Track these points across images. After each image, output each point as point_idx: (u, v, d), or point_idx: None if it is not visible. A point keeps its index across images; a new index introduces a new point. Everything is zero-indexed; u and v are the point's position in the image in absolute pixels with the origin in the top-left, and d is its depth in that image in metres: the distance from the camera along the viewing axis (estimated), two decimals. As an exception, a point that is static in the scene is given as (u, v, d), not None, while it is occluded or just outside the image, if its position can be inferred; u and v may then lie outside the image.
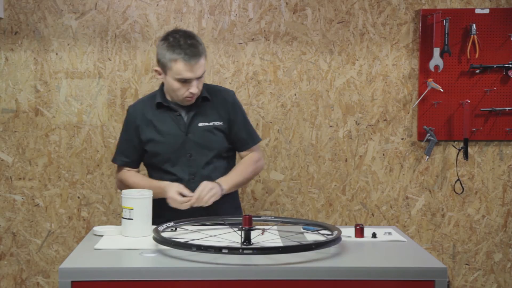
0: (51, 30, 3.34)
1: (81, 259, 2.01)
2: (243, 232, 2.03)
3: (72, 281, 1.88)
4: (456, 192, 3.48)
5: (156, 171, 2.63)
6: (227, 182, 2.54)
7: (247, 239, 2.03)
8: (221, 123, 2.59)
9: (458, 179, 3.46)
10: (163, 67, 2.48)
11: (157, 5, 3.35)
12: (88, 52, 3.36)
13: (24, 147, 3.39)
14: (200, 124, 2.56)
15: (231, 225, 2.28)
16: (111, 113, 3.39)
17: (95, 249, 2.11)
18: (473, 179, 3.49)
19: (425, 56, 3.38)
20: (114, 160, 2.72)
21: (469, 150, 3.44)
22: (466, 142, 3.38)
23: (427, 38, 3.37)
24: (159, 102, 2.58)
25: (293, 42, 3.39)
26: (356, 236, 2.29)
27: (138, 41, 3.35)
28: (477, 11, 3.37)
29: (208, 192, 2.42)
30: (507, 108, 3.41)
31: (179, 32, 2.50)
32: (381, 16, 3.40)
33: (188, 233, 2.29)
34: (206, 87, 2.63)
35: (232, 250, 1.87)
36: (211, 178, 2.54)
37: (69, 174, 3.41)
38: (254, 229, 2.05)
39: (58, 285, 1.88)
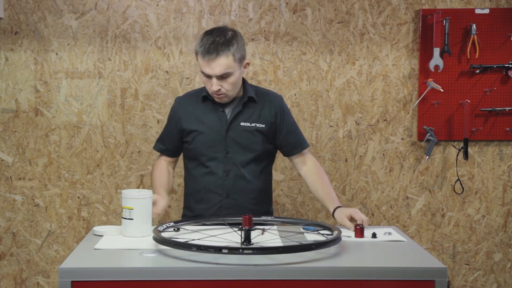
0: (51, 30, 3.34)
1: (81, 259, 2.01)
2: (243, 232, 2.03)
3: (72, 281, 1.88)
4: (456, 192, 3.48)
5: (193, 162, 2.63)
6: (337, 199, 2.61)
7: (247, 239, 2.03)
8: (263, 126, 2.58)
9: (458, 179, 3.46)
10: (196, 58, 2.51)
11: (157, 5, 3.35)
12: (88, 52, 3.36)
13: (24, 147, 3.39)
14: (242, 124, 2.56)
15: (231, 225, 2.28)
16: (111, 113, 3.39)
17: (95, 249, 2.11)
18: (473, 179, 3.49)
19: (425, 56, 3.38)
20: (154, 146, 2.78)
21: (469, 150, 3.44)
22: (466, 142, 3.38)
23: (427, 38, 3.37)
24: (205, 95, 2.58)
25: (293, 42, 3.39)
26: (356, 236, 2.29)
27: (138, 41, 3.35)
28: (477, 11, 3.37)
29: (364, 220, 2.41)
30: (507, 108, 3.41)
31: (220, 29, 2.49)
32: (381, 16, 3.40)
33: (188, 233, 2.29)
34: (255, 89, 2.64)
35: (232, 250, 1.87)
36: (245, 179, 2.56)
37: (69, 174, 3.41)
38: (254, 229, 2.05)
39: (58, 285, 1.88)
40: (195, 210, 2.63)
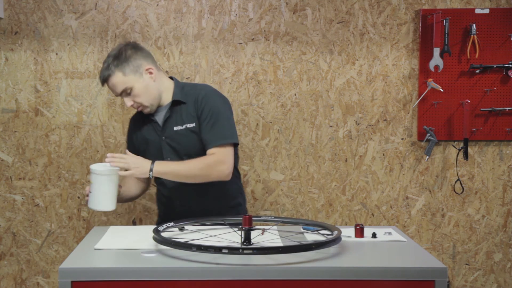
0: (51, 30, 3.34)
1: (81, 259, 2.01)
2: (243, 232, 2.03)
3: (72, 281, 1.88)
4: (456, 192, 3.48)
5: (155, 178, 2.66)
6: (162, 166, 2.43)
7: (247, 239, 2.03)
8: (193, 125, 2.53)
9: (458, 179, 3.46)
10: None
11: (157, 5, 3.35)
12: (88, 52, 3.36)
13: (24, 147, 3.39)
14: (175, 128, 2.56)
15: (231, 225, 2.28)
16: (111, 113, 3.39)
17: (95, 249, 2.11)
18: (473, 179, 3.49)
19: (425, 56, 3.38)
20: None
21: (469, 150, 3.44)
22: (466, 142, 3.38)
23: (427, 38, 3.37)
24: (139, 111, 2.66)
25: (293, 42, 3.39)
26: (356, 236, 2.29)
27: (138, 41, 3.35)
28: (477, 11, 3.37)
29: (121, 161, 2.38)
30: (507, 108, 3.41)
31: (109, 53, 2.55)
32: (381, 16, 3.40)
33: (188, 233, 2.30)
34: (185, 87, 2.60)
35: (232, 250, 1.87)
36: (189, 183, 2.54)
37: (69, 174, 3.41)
38: (254, 229, 2.05)
39: (58, 285, 1.88)
40: (164, 216, 2.71)
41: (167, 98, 2.59)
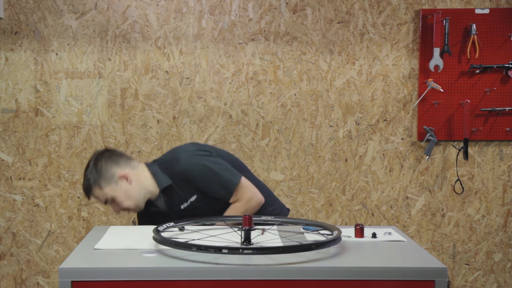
0: (51, 30, 3.34)
1: (81, 259, 2.01)
2: (243, 232, 2.03)
3: (72, 281, 1.88)
4: (456, 192, 3.48)
5: None
6: None
7: (247, 239, 2.03)
8: (195, 197, 2.52)
9: (458, 179, 3.46)
10: None
11: (157, 5, 3.35)
12: (88, 52, 3.36)
13: (24, 147, 3.39)
14: (182, 207, 2.54)
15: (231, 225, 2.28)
16: (111, 113, 3.39)
17: (95, 249, 2.11)
18: (473, 179, 3.49)
19: (425, 56, 3.37)
20: None
21: (469, 150, 3.44)
22: (466, 142, 3.38)
23: (427, 38, 3.37)
24: (141, 212, 2.63)
25: (293, 42, 3.39)
26: (356, 236, 2.28)
27: (138, 41, 3.35)
28: (477, 11, 3.37)
29: None
30: (507, 108, 3.41)
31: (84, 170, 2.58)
32: (381, 16, 3.40)
33: (188, 233, 2.29)
34: (161, 168, 2.54)
35: (232, 250, 1.87)
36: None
37: (69, 174, 3.41)
38: (254, 229, 2.05)
39: (58, 285, 1.88)
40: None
41: (153, 187, 2.54)
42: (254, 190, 2.54)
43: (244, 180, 2.53)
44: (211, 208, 2.53)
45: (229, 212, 2.53)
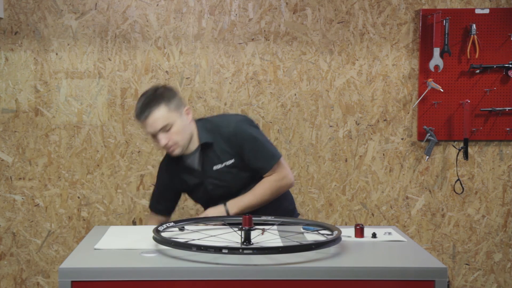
0: (51, 30, 3.34)
1: (81, 259, 2.01)
2: (243, 232, 2.03)
3: (72, 281, 1.88)
4: (456, 192, 3.48)
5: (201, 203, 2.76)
6: (236, 204, 2.54)
7: (247, 239, 2.03)
8: (232, 161, 2.57)
9: (458, 179, 3.46)
10: None
11: (157, 5, 3.35)
12: (88, 52, 3.36)
13: (24, 147, 3.39)
14: (214, 168, 2.57)
15: (231, 225, 2.28)
16: (111, 113, 3.39)
17: (95, 249, 2.11)
18: (473, 179, 3.49)
19: (425, 56, 3.38)
20: (151, 208, 2.80)
21: (469, 150, 3.44)
22: (466, 142, 3.38)
23: (427, 38, 3.37)
24: (172, 160, 2.63)
25: (293, 42, 3.39)
26: (356, 236, 2.28)
27: (138, 41, 3.35)
28: (477, 11, 3.37)
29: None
30: (507, 108, 3.41)
31: (150, 88, 2.56)
32: (381, 16, 3.40)
33: (188, 233, 2.30)
34: (209, 126, 2.60)
35: (232, 250, 1.87)
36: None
37: (69, 174, 3.41)
38: (254, 229, 2.05)
39: (58, 285, 1.88)
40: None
41: (196, 139, 2.58)
42: (289, 170, 2.65)
43: (283, 159, 2.63)
44: (240, 178, 2.58)
45: (262, 184, 2.58)
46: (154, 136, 2.48)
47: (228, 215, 2.49)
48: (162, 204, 2.75)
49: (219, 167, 2.57)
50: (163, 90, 2.51)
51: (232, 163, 2.56)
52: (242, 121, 2.63)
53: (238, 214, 2.50)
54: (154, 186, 2.82)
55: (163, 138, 2.47)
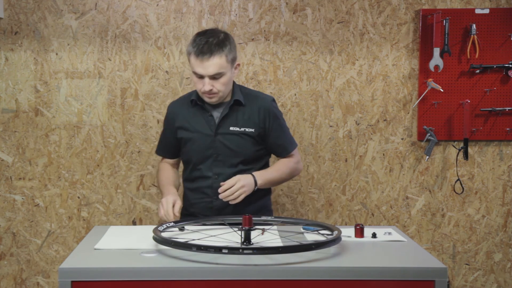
0: (51, 30, 3.34)
1: (81, 259, 2.01)
2: (243, 232, 2.03)
3: (72, 281, 1.88)
4: (456, 192, 3.48)
5: (187, 164, 2.72)
6: (262, 176, 2.58)
7: (247, 239, 2.03)
8: (252, 130, 2.61)
9: (458, 179, 3.46)
10: (188, 58, 2.54)
11: (157, 5, 3.35)
12: (88, 52, 3.36)
13: (24, 147, 3.39)
14: (231, 128, 2.60)
15: (231, 225, 2.28)
16: (111, 113, 3.39)
17: (95, 249, 2.11)
18: (473, 179, 3.49)
19: (425, 56, 3.38)
20: (156, 151, 2.88)
21: (469, 150, 3.44)
22: (466, 142, 3.38)
23: (427, 38, 3.37)
24: (193, 99, 2.63)
25: (293, 42, 3.39)
26: (356, 236, 2.29)
27: (138, 41, 3.35)
28: (477, 11, 3.37)
29: (239, 189, 2.46)
30: (507, 108, 3.41)
31: (212, 30, 2.55)
32: (381, 16, 3.40)
33: (188, 233, 2.30)
34: (245, 91, 2.66)
35: (232, 250, 1.87)
36: None
37: (69, 174, 3.41)
38: (254, 229, 2.05)
39: (58, 285, 1.88)
40: (189, 210, 2.71)
41: (229, 95, 2.62)
42: (301, 161, 2.80)
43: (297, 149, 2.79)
44: (248, 149, 2.61)
45: (283, 163, 2.69)
46: (201, 77, 2.48)
47: (255, 185, 2.53)
48: (169, 150, 2.78)
49: (236, 130, 2.60)
50: (227, 37, 2.52)
51: (251, 132, 2.61)
52: (275, 101, 2.75)
53: (261, 187, 2.57)
54: (162, 132, 2.84)
55: (209, 84, 2.48)
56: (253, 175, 2.55)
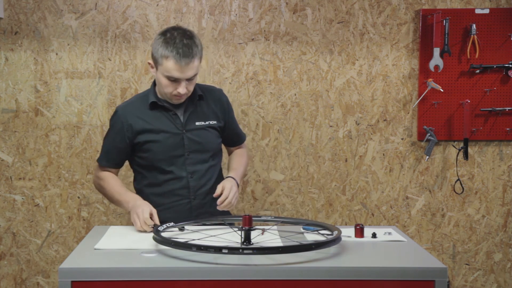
0: (51, 30, 3.34)
1: (81, 259, 2.01)
2: (243, 232, 2.03)
3: (72, 281, 1.88)
4: (456, 192, 3.48)
5: (150, 171, 2.56)
6: (237, 175, 2.59)
7: (247, 239, 2.03)
8: (215, 122, 2.60)
9: (458, 179, 3.46)
10: (155, 61, 2.43)
11: (157, 5, 3.35)
12: (88, 52, 3.36)
13: (24, 147, 3.39)
14: (197, 123, 2.56)
15: (231, 225, 2.28)
16: (111, 113, 3.38)
17: (95, 249, 2.11)
18: (473, 179, 3.49)
19: (425, 56, 3.38)
20: (99, 160, 2.62)
21: (469, 150, 3.44)
22: (466, 142, 3.38)
23: (427, 38, 3.37)
24: (154, 101, 2.52)
25: (293, 42, 3.39)
26: (356, 236, 2.29)
27: (138, 41, 3.35)
28: (477, 11, 3.37)
29: (234, 195, 2.45)
30: (507, 108, 3.41)
31: (179, 29, 2.43)
32: (381, 16, 3.40)
33: (188, 233, 2.29)
34: (199, 86, 2.61)
35: (232, 250, 1.87)
36: (209, 176, 2.57)
37: (69, 174, 3.41)
38: (254, 229, 2.05)
39: (58, 285, 1.88)
40: (161, 216, 2.42)
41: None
42: None
43: None
44: (213, 142, 2.60)
45: (242, 155, 2.75)
46: (174, 81, 2.40)
47: (237, 185, 2.53)
48: (117, 158, 2.59)
49: (202, 124, 2.57)
50: (193, 34, 2.45)
51: (214, 124, 2.60)
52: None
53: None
54: (106, 138, 2.61)
55: (183, 87, 2.42)
56: (232, 177, 2.53)
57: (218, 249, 1.86)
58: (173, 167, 2.53)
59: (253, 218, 2.05)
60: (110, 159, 2.59)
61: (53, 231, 3.43)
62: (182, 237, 2.18)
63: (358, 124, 3.44)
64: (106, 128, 3.39)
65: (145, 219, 2.31)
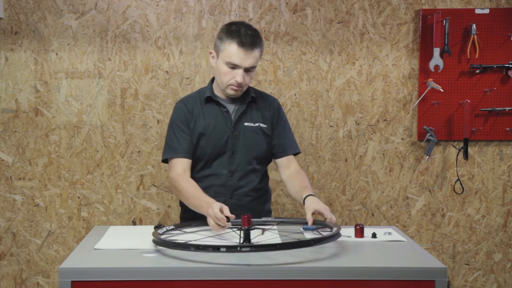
0: (51, 30, 3.34)
1: (81, 259, 2.01)
2: (242, 231, 2.03)
3: (72, 281, 1.88)
4: (456, 192, 3.48)
5: (197, 163, 2.58)
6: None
7: (246, 238, 2.03)
8: (265, 126, 2.60)
9: (458, 179, 3.46)
10: (218, 49, 2.48)
11: (157, 5, 3.35)
12: (88, 52, 3.36)
13: (24, 147, 3.39)
14: (246, 124, 2.57)
15: (231, 225, 2.28)
16: (111, 113, 3.39)
17: (95, 249, 2.11)
18: (473, 179, 3.49)
19: (425, 56, 3.38)
20: (166, 156, 2.58)
21: (469, 150, 3.44)
22: (466, 142, 3.38)
23: (427, 38, 3.37)
24: (208, 96, 2.58)
25: (293, 42, 3.39)
26: (356, 236, 2.29)
27: (138, 41, 3.35)
28: (477, 11, 3.37)
29: (330, 212, 2.36)
30: (507, 108, 3.41)
31: (244, 23, 2.51)
32: (381, 16, 3.40)
33: (188, 233, 2.29)
34: (254, 90, 2.65)
35: (230, 248, 1.87)
36: (249, 178, 2.57)
37: (69, 174, 3.41)
38: (253, 229, 2.05)
39: (58, 285, 1.88)
40: (195, 212, 2.44)
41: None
42: None
43: None
44: (259, 145, 2.59)
45: (304, 179, 2.57)
46: (233, 68, 2.44)
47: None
48: (190, 145, 2.56)
49: (250, 125, 2.57)
50: (259, 32, 2.52)
51: (265, 127, 2.60)
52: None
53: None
54: (168, 135, 2.59)
55: (241, 76, 2.44)
56: (313, 195, 2.44)
57: (216, 248, 1.86)
58: (216, 163, 2.56)
59: (252, 219, 2.05)
60: (177, 150, 2.55)
61: (53, 231, 3.44)
62: (182, 237, 2.18)
63: (358, 124, 3.44)
64: (106, 128, 3.39)
65: (215, 213, 2.21)
